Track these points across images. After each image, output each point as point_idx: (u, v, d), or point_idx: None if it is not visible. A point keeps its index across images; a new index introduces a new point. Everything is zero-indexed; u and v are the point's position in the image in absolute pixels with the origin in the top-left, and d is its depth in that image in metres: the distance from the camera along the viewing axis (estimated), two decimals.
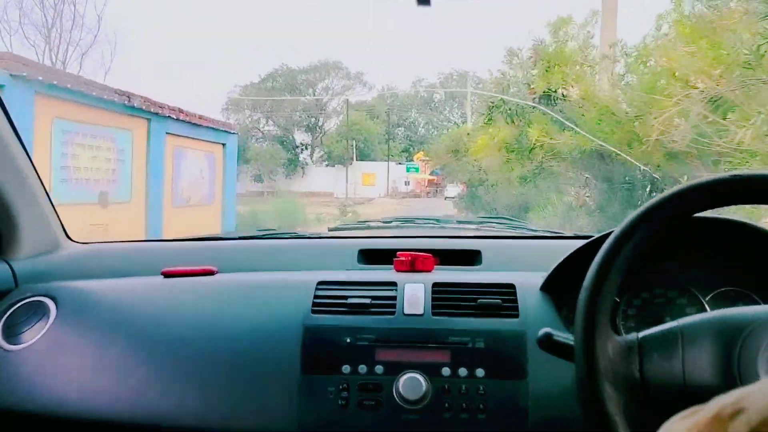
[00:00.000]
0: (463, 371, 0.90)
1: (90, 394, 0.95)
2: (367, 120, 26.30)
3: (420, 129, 28.05)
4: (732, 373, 0.64)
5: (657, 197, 0.68)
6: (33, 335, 1.00)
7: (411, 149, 28.06)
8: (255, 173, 23.66)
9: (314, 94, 28.03)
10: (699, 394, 0.62)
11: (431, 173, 25.00)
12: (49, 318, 1.02)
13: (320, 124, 27.82)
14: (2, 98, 1.07)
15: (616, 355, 0.68)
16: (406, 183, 26.20)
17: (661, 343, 0.69)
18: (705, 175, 0.68)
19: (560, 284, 0.98)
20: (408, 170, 26.22)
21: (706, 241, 0.97)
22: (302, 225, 10.55)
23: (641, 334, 0.70)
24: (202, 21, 40.82)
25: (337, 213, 14.28)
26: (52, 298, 1.05)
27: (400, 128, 30.24)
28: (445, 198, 20.06)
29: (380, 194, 24.85)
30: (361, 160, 26.28)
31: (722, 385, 0.64)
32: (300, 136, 27.96)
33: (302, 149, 27.80)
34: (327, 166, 26.42)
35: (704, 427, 0.33)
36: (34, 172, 1.17)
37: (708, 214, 0.77)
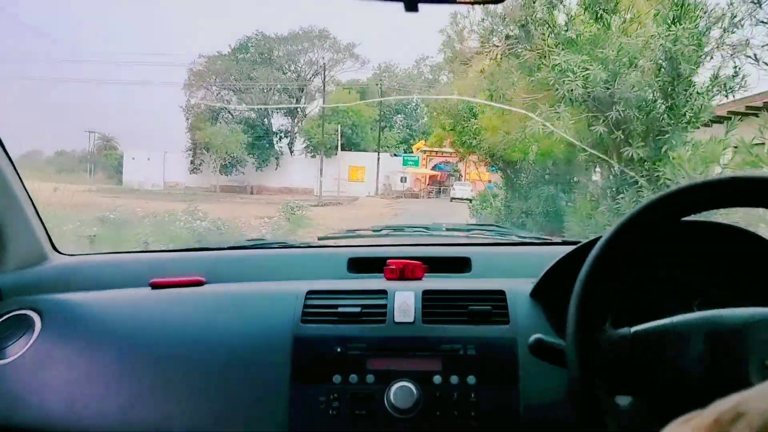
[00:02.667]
0: (454, 379, 1.08)
1: (77, 407, 1.12)
2: (357, 101, 25.11)
3: (423, 116, 27.69)
4: (722, 373, 0.76)
5: (644, 202, 0.82)
6: (17, 349, 1.18)
7: (412, 140, 27.18)
8: (220, 164, 23.24)
9: (296, 69, 27.47)
10: (690, 390, 0.80)
11: (434, 167, 23.88)
12: (33, 332, 1.20)
13: (302, 105, 27.13)
14: None
15: (608, 345, 0.82)
16: (403, 179, 25.11)
17: (654, 339, 0.82)
18: (696, 180, 0.80)
19: (550, 290, 1.16)
20: (405, 163, 25.05)
21: (696, 245, 1.13)
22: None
23: (634, 328, 0.85)
24: None
25: (281, 219, 10.28)
26: (37, 312, 1.23)
27: (399, 115, 29.31)
28: (452, 199, 19.47)
29: (369, 192, 24.12)
30: (348, 150, 25.46)
31: (713, 384, 0.76)
32: (278, 121, 27.18)
33: (281, 136, 27.03)
34: (310, 156, 25.43)
35: (705, 431, 0.38)
36: (20, 183, 1.35)
37: (699, 217, 0.89)
